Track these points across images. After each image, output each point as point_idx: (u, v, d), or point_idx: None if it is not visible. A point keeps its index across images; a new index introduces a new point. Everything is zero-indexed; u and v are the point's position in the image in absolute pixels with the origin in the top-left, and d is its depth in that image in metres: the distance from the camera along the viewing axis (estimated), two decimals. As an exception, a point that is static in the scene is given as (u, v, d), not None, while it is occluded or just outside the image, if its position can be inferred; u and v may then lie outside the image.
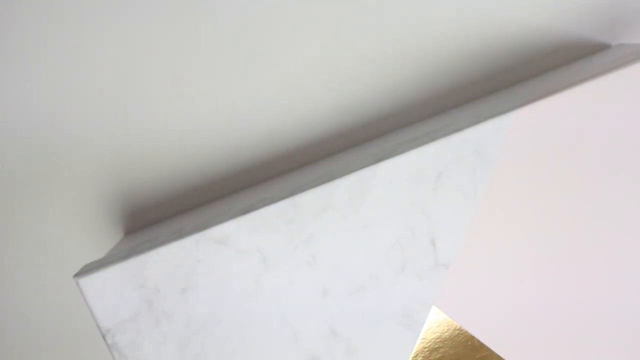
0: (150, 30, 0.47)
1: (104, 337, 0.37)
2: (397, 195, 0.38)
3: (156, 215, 0.50)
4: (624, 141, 0.40)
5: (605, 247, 0.41)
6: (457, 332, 0.41)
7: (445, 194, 0.39)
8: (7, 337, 0.51)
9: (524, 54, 0.51)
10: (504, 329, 0.41)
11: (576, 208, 0.41)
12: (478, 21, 0.50)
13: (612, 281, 0.42)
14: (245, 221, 0.38)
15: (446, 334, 0.41)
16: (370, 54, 0.49)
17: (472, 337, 0.41)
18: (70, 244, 0.49)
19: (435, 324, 0.41)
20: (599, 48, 0.51)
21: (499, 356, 0.41)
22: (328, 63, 0.49)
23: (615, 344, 0.42)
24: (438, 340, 0.41)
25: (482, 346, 0.41)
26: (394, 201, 0.38)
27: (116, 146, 0.48)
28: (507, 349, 0.41)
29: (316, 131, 0.50)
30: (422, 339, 0.41)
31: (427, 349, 0.41)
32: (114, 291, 0.37)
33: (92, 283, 0.37)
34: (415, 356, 0.41)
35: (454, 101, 0.51)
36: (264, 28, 0.48)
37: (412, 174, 0.38)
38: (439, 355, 0.41)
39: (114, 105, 0.48)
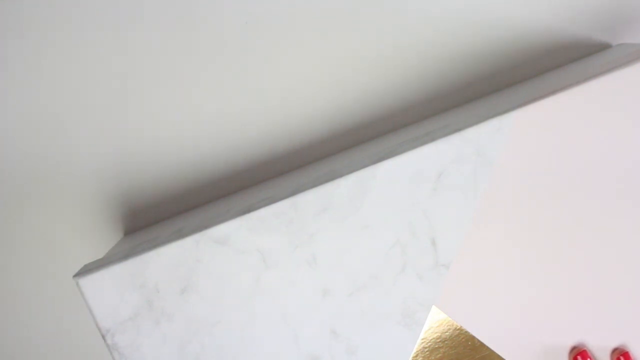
0: (150, 31, 0.47)
1: (103, 337, 0.37)
2: (397, 195, 0.38)
3: (156, 215, 0.50)
4: (623, 141, 0.40)
5: (606, 247, 0.41)
6: (457, 332, 0.41)
7: (445, 194, 0.39)
8: (8, 337, 0.51)
9: (524, 54, 0.51)
10: (504, 329, 0.41)
11: (576, 207, 0.41)
12: (478, 21, 0.50)
13: (613, 281, 0.42)
14: (245, 221, 0.38)
15: (446, 334, 0.41)
16: (370, 54, 0.49)
17: (472, 337, 0.41)
18: (70, 244, 0.49)
19: (435, 324, 0.41)
20: (599, 48, 0.51)
21: (499, 356, 0.41)
22: (328, 63, 0.49)
23: (613, 344, 0.42)
24: (438, 340, 0.41)
25: (482, 346, 0.41)
26: (394, 201, 0.38)
27: (116, 147, 0.48)
28: (507, 349, 0.41)
29: (316, 131, 0.50)
30: (422, 339, 0.41)
31: (427, 349, 0.41)
32: (114, 291, 0.37)
33: (92, 283, 0.37)
34: (416, 356, 0.41)
35: (454, 101, 0.51)
36: (263, 29, 0.48)
37: (412, 174, 0.38)
38: (439, 355, 0.41)
39: (114, 106, 0.48)
